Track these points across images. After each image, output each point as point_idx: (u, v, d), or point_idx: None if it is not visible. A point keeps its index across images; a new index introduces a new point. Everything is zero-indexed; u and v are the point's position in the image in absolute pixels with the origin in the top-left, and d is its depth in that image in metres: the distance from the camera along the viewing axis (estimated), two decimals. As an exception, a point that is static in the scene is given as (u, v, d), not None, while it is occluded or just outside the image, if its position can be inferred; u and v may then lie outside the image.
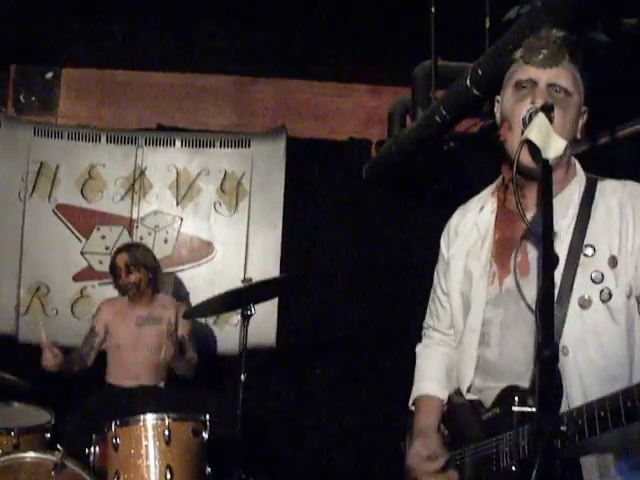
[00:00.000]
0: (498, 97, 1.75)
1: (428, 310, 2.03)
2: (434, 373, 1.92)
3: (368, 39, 4.18)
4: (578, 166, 1.72)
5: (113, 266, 4.00)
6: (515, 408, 1.25)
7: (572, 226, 1.61)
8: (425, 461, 1.72)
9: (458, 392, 1.79)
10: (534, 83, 1.60)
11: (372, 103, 5.01)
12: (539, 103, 1.53)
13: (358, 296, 4.79)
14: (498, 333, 1.66)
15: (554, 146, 1.37)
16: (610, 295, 1.55)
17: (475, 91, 2.76)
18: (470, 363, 1.72)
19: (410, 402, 1.95)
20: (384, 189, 4.80)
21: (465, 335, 1.75)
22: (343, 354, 4.77)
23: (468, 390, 1.73)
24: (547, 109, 1.44)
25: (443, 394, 1.87)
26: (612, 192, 1.64)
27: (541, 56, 1.59)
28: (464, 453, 1.71)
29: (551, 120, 1.43)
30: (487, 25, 3.04)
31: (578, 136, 1.67)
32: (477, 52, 2.84)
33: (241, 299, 3.30)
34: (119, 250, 4.07)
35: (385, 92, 4.92)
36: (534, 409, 1.12)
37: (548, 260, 1.20)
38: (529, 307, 1.61)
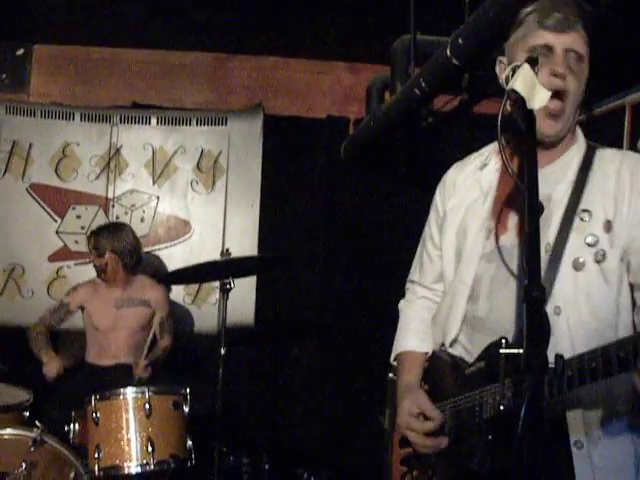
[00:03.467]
0: (502, 58, 1.72)
1: (413, 265, 2.03)
2: (414, 328, 1.93)
3: (346, 16, 4.14)
4: (579, 133, 1.73)
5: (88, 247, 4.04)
6: (502, 350, 1.25)
7: (569, 191, 1.62)
8: (416, 419, 1.72)
9: (441, 348, 1.79)
10: (550, 49, 1.57)
11: (350, 81, 4.98)
12: (560, 72, 1.52)
13: (336, 275, 4.78)
14: (488, 288, 1.67)
15: (539, 97, 1.37)
16: (604, 256, 1.56)
17: (455, 61, 2.73)
18: (457, 316, 1.72)
19: (392, 358, 1.96)
20: (362, 167, 4.78)
21: (455, 287, 1.75)
22: (321, 333, 4.78)
23: (451, 344, 1.74)
24: (532, 62, 1.43)
25: (425, 347, 1.88)
26: (610, 160, 1.65)
27: (556, 20, 1.56)
28: (444, 407, 1.72)
29: (536, 72, 1.43)
30: (467, -3, 3.03)
31: None
32: (457, 26, 2.82)
33: (221, 272, 3.29)
34: (91, 232, 4.09)
35: (363, 69, 4.88)
36: (521, 350, 1.12)
37: (532, 206, 1.20)
38: (521, 266, 1.60)
